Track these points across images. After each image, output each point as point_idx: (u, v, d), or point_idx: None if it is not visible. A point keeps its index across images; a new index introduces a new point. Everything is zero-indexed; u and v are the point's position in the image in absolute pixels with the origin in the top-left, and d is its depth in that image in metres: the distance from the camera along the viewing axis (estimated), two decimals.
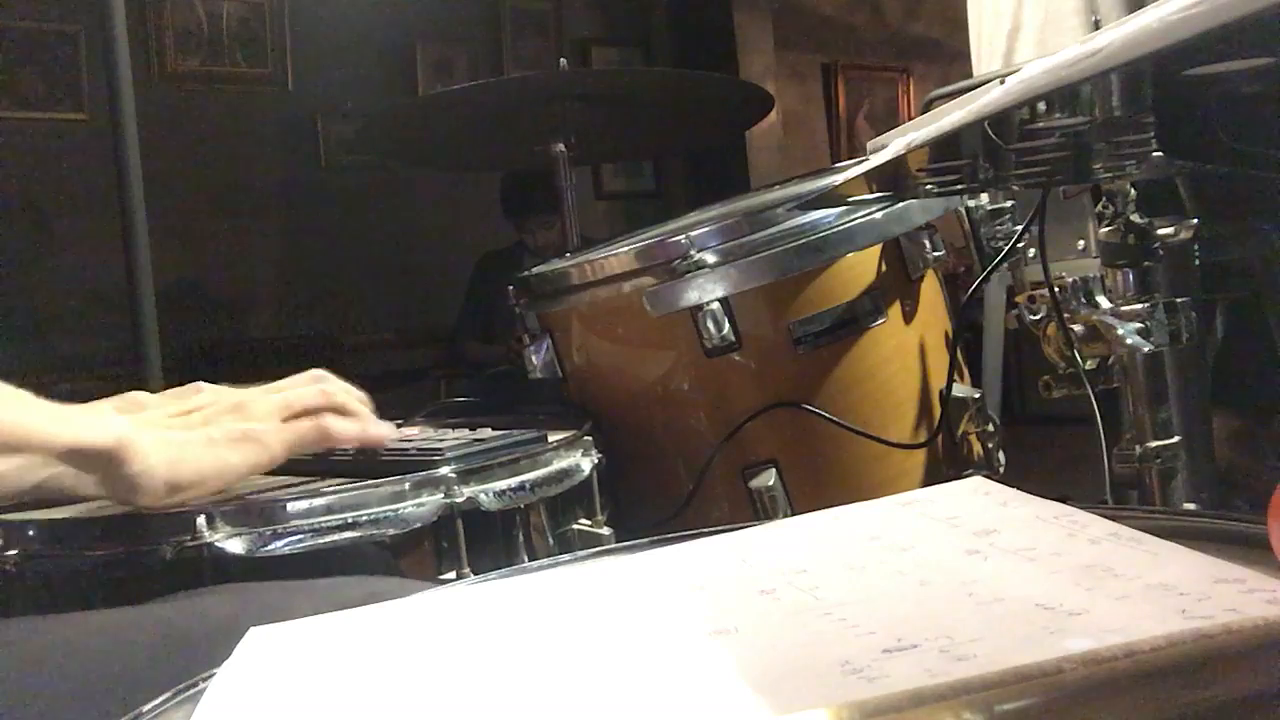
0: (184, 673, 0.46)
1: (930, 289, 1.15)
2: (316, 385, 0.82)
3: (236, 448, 0.75)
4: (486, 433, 0.95)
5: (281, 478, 0.92)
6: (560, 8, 4.47)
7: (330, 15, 3.75)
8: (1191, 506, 1.01)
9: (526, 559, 0.87)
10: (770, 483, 1.04)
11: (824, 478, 1.07)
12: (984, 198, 1.12)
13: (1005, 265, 1.09)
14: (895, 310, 1.10)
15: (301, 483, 0.88)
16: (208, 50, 3.67)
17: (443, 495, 0.82)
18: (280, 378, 0.85)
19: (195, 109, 3.60)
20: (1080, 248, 1.22)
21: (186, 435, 0.74)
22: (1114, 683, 0.34)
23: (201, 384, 0.81)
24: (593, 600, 0.50)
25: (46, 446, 0.67)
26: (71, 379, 2.89)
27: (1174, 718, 0.33)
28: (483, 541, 0.84)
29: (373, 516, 0.79)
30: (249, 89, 3.77)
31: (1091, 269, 0.99)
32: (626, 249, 1.09)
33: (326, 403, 0.80)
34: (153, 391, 0.83)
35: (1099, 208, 0.95)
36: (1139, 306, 0.94)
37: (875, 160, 0.74)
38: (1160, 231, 0.94)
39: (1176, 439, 0.97)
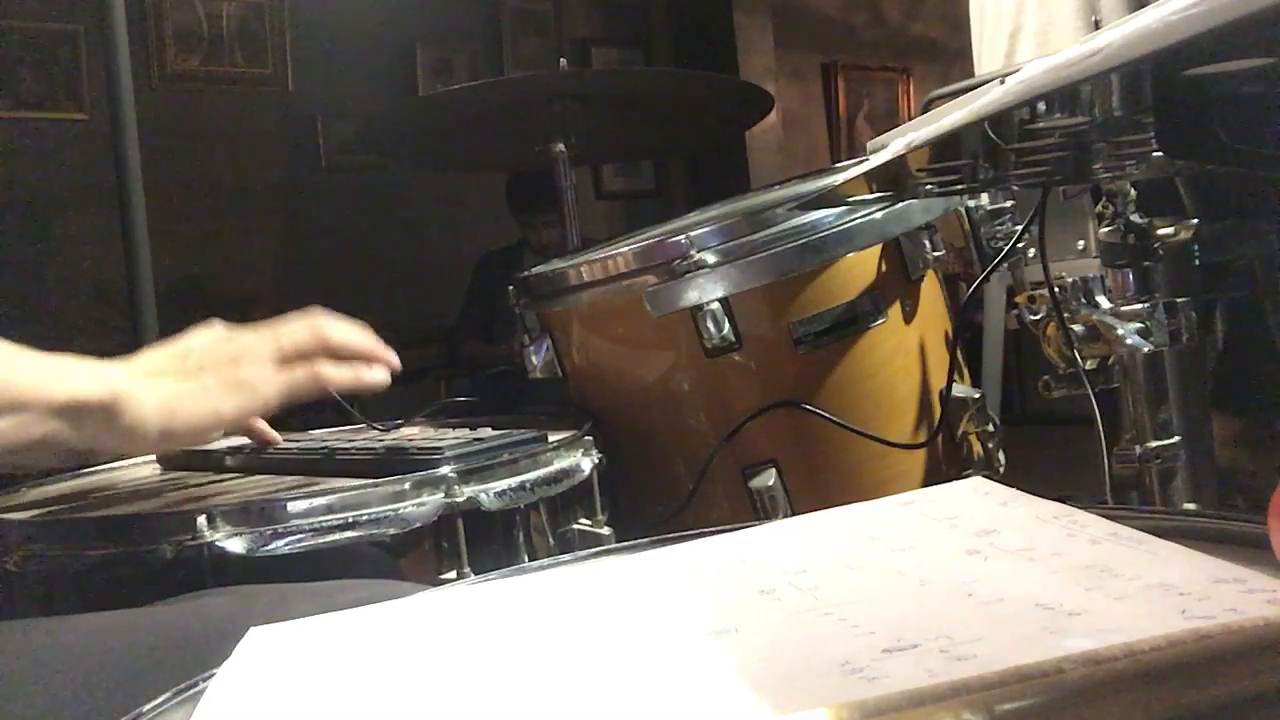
0: (184, 674, 0.46)
1: (930, 289, 1.15)
2: (313, 328, 0.81)
3: (230, 395, 0.74)
4: (486, 433, 0.96)
5: (282, 477, 0.92)
6: (560, 8, 4.47)
7: (330, 15, 3.75)
8: (1191, 506, 1.01)
9: (526, 559, 0.87)
10: (770, 483, 1.04)
11: (824, 478, 1.07)
12: (984, 198, 1.12)
13: (1005, 265, 1.09)
14: (895, 310, 1.10)
15: (301, 483, 0.88)
16: (208, 50, 3.66)
17: (443, 495, 0.82)
18: None
19: (195, 109, 3.59)
20: (1080, 248, 1.22)
21: (180, 384, 0.74)
22: (1114, 683, 0.34)
23: (216, 323, 0.81)
24: (593, 600, 0.50)
25: (43, 403, 0.66)
26: None
27: (1174, 718, 0.33)
28: (483, 541, 0.84)
29: (373, 516, 0.79)
30: (249, 89, 3.77)
31: (1091, 269, 0.98)
32: (626, 249, 1.09)
33: (321, 347, 0.79)
34: None
35: (1099, 208, 0.95)
36: (1139, 306, 0.94)
37: (875, 160, 0.73)
38: (1160, 231, 0.94)
39: (1176, 439, 0.97)
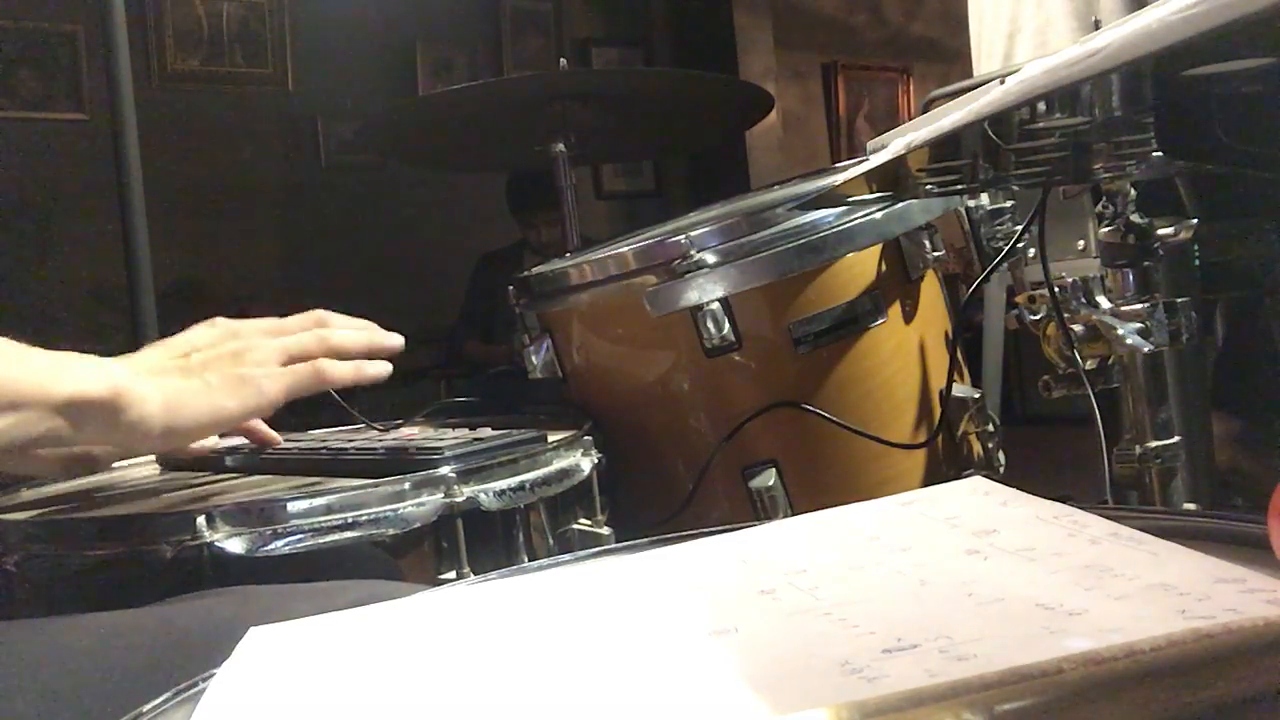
0: (185, 676, 0.46)
1: (930, 289, 1.15)
2: (316, 328, 0.81)
3: (233, 393, 0.74)
4: (486, 432, 0.95)
5: (281, 478, 0.92)
6: (560, 8, 4.47)
7: (330, 15, 3.76)
8: (1191, 506, 1.01)
9: (526, 559, 0.87)
10: (770, 483, 1.04)
11: (824, 478, 1.07)
12: (984, 198, 1.12)
13: (1005, 265, 1.09)
14: (895, 310, 1.10)
15: (301, 483, 0.88)
16: (208, 50, 3.67)
17: (443, 495, 0.82)
18: None
19: (195, 109, 3.60)
20: (1080, 248, 1.22)
21: (183, 381, 0.73)
22: (1114, 683, 0.34)
23: (218, 319, 0.81)
24: (593, 600, 0.50)
25: (44, 400, 0.66)
26: None
27: (1174, 718, 0.33)
28: (483, 541, 0.84)
29: (373, 516, 0.79)
30: (249, 89, 3.77)
31: (1091, 269, 0.98)
32: (626, 249, 1.09)
33: (324, 349, 0.80)
34: None
35: (1099, 208, 0.95)
36: (1139, 306, 0.94)
37: (875, 160, 0.73)
38: (1160, 231, 0.94)
39: (1176, 439, 0.97)
